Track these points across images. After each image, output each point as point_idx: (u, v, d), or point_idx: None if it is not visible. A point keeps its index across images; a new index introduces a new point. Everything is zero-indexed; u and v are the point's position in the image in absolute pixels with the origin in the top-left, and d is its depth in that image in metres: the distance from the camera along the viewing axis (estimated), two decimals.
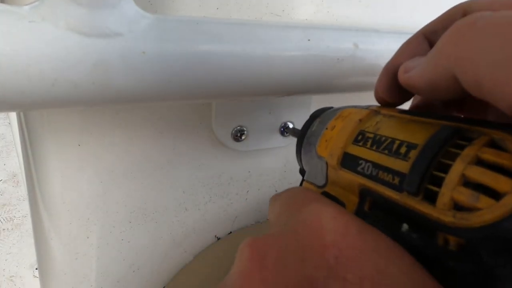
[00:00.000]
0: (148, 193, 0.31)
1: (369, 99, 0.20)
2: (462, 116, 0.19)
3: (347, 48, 0.25)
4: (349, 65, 0.25)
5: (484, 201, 0.11)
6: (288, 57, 0.23)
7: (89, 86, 0.18)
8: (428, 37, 0.18)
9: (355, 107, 0.20)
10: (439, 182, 0.12)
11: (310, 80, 0.25)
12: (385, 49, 0.26)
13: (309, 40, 0.23)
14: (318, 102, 0.33)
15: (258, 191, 0.37)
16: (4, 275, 1.28)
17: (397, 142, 0.14)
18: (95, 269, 0.32)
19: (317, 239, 0.13)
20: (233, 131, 0.31)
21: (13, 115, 0.95)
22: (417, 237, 0.13)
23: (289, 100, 0.32)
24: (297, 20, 0.30)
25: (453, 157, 0.12)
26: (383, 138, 0.15)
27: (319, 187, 0.19)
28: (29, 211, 0.34)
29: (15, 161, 1.82)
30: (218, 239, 0.37)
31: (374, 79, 0.19)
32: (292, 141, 0.34)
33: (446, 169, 0.12)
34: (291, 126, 0.33)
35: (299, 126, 0.24)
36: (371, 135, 0.16)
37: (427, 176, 0.12)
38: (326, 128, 0.20)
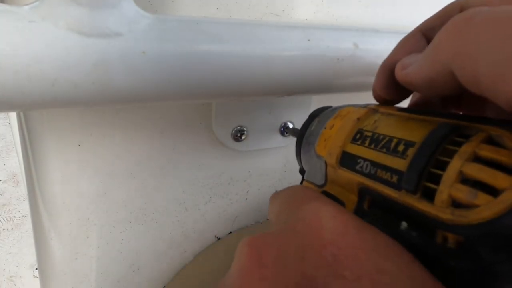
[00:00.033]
0: (148, 193, 0.31)
1: (369, 99, 0.20)
2: (460, 113, 0.19)
3: (347, 48, 0.25)
4: (349, 65, 0.25)
5: (482, 198, 0.11)
6: (288, 57, 0.23)
7: (89, 86, 0.18)
8: (426, 34, 0.18)
9: (353, 106, 0.20)
10: (437, 180, 0.12)
11: (310, 80, 0.25)
12: (385, 49, 0.26)
13: (309, 40, 0.23)
14: (318, 102, 0.33)
15: (258, 191, 0.37)
16: (4, 275, 1.28)
17: (395, 140, 0.15)
18: (95, 269, 0.32)
19: (316, 238, 0.13)
20: (233, 131, 0.31)
21: (13, 115, 0.95)
22: (416, 235, 0.13)
23: (289, 100, 0.32)
24: (297, 20, 0.30)
25: (451, 154, 0.12)
26: (381, 137, 0.15)
27: (318, 186, 0.19)
28: (29, 211, 0.34)
29: (15, 161, 1.82)
30: (218, 239, 0.37)
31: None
32: (292, 141, 0.34)
33: (443, 166, 0.12)
34: (291, 126, 0.33)
35: (299, 126, 0.24)
36: (369, 134, 0.16)
37: (425, 174, 0.12)
38: (325, 128, 0.20)
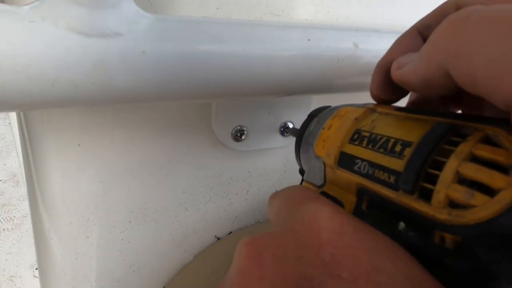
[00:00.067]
0: (148, 193, 0.31)
1: (368, 99, 0.20)
2: (457, 112, 0.19)
3: (347, 48, 0.25)
4: (349, 65, 0.25)
5: (478, 198, 0.11)
6: (288, 57, 0.23)
7: (89, 86, 0.18)
8: (422, 32, 0.18)
9: (351, 105, 0.20)
10: (434, 180, 0.12)
11: (310, 80, 0.25)
12: (385, 49, 0.26)
13: (309, 40, 0.23)
14: (318, 102, 0.33)
15: (258, 191, 0.37)
16: (4, 275, 1.28)
17: (392, 140, 0.14)
18: (95, 269, 0.32)
19: (313, 238, 0.13)
20: (233, 131, 0.31)
21: (13, 115, 0.95)
22: (413, 236, 0.13)
23: (289, 100, 0.32)
24: (297, 20, 0.30)
25: (448, 154, 0.12)
26: (379, 137, 0.15)
27: (318, 186, 0.19)
28: (29, 211, 0.34)
29: (15, 161, 1.82)
30: (218, 239, 0.37)
31: None
32: (292, 141, 0.34)
33: (440, 166, 0.12)
34: (291, 126, 0.33)
35: (299, 126, 0.24)
36: (367, 134, 0.16)
37: (422, 174, 0.12)
38: (323, 128, 0.20)
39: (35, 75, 0.16)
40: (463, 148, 0.12)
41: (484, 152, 0.11)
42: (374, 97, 0.19)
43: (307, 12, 0.30)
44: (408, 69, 0.15)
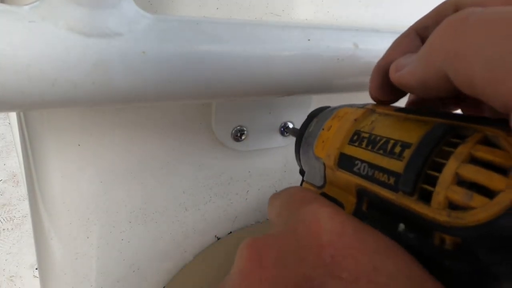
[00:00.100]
0: (148, 193, 0.31)
1: (368, 99, 0.20)
2: (456, 113, 0.19)
3: (347, 48, 0.25)
4: (349, 65, 0.25)
5: (478, 199, 0.11)
6: (288, 57, 0.23)
7: (89, 86, 0.18)
8: (420, 33, 0.18)
9: (351, 106, 0.20)
10: (433, 182, 0.12)
11: (310, 80, 0.25)
12: (385, 49, 0.26)
13: (309, 40, 0.23)
14: (318, 102, 0.33)
15: (258, 191, 0.37)
16: (4, 275, 1.28)
17: (392, 141, 0.14)
18: (95, 269, 0.32)
19: (314, 239, 0.13)
20: (233, 131, 0.31)
21: (13, 115, 0.95)
22: (413, 237, 0.13)
23: (289, 100, 0.32)
24: (297, 20, 0.30)
25: (447, 156, 0.12)
26: (378, 138, 0.15)
27: (318, 187, 0.19)
28: (29, 211, 0.34)
29: (15, 161, 1.82)
30: (218, 239, 0.37)
31: None
32: (292, 141, 0.33)
33: (440, 168, 0.12)
34: (291, 126, 0.33)
35: (299, 126, 0.24)
36: (367, 135, 0.16)
37: (422, 176, 0.12)
38: (323, 129, 0.20)
39: (35, 75, 0.16)
40: (462, 150, 0.12)
41: (483, 153, 0.11)
42: (373, 98, 0.19)
43: (307, 12, 0.30)
44: (407, 71, 0.15)
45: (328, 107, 0.23)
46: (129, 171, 0.29)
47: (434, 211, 0.12)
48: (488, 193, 0.11)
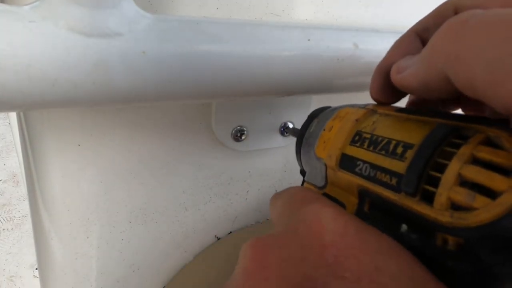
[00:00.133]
0: (148, 193, 0.31)
1: (369, 99, 0.20)
2: (458, 113, 0.19)
3: (347, 48, 0.25)
4: (349, 65, 0.25)
5: (480, 200, 0.11)
6: (288, 57, 0.23)
7: (89, 86, 0.18)
8: (420, 34, 0.18)
9: (352, 106, 0.20)
10: (436, 182, 0.12)
11: (310, 80, 0.25)
12: (385, 49, 0.26)
13: (309, 40, 0.23)
14: (318, 102, 0.33)
15: (258, 191, 0.37)
16: (4, 275, 1.28)
17: (394, 142, 0.15)
18: (95, 269, 0.32)
19: (316, 239, 0.13)
20: (233, 131, 0.31)
21: (13, 115, 0.95)
22: (416, 238, 0.13)
23: (289, 100, 0.32)
24: (297, 20, 0.30)
25: (449, 157, 0.12)
26: (380, 139, 0.15)
27: (319, 188, 0.19)
28: (29, 211, 0.34)
29: (15, 161, 1.82)
30: (218, 239, 0.37)
31: None
32: (292, 141, 0.34)
33: (442, 168, 0.12)
34: (291, 126, 0.33)
35: (299, 126, 0.24)
36: (368, 136, 0.16)
37: (424, 177, 0.12)
38: (324, 129, 0.20)
39: (35, 75, 0.16)
40: (465, 150, 0.12)
41: (486, 154, 0.11)
42: (374, 99, 0.19)
43: (307, 12, 0.30)
44: (408, 73, 0.15)
45: (329, 107, 0.23)
46: (129, 171, 0.29)
47: (437, 212, 0.12)
48: (491, 194, 0.11)
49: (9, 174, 1.80)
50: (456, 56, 0.12)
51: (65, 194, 0.28)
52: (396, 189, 0.13)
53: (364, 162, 0.15)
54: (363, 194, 0.16)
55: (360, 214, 0.16)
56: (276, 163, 0.37)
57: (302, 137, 0.23)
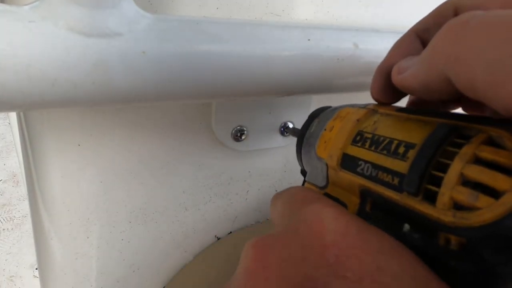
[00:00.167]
0: (148, 193, 0.31)
1: (369, 99, 0.20)
2: (459, 113, 0.19)
3: (347, 48, 0.25)
4: (349, 65, 0.25)
5: (483, 200, 0.11)
6: (288, 57, 0.23)
7: (89, 86, 0.18)
8: (420, 35, 0.18)
9: (353, 106, 0.20)
10: (438, 182, 0.12)
11: (310, 80, 0.25)
12: (385, 49, 0.26)
13: (309, 40, 0.23)
14: (318, 102, 0.33)
15: (258, 191, 0.37)
16: (4, 275, 1.28)
17: (395, 142, 0.14)
18: (95, 269, 0.32)
19: (317, 239, 0.13)
20: (233, 131, 0.31)
21: (13, 115, 0.95)
22: (418, 237, 0.13)
23: (289, 100, 0.32)
24: (297, 20, 0.30)
25: (451, 156, 0.12)
26: (381, 138, 0.15)
27: (320, 188, 0.19)
28: (29, 211, 0.34)
29: (15, 161, 1.82)
30: (218, 239, 0.37)
31: None
32: (292, 141, 0.34)
33: (445, 168, 0.12)
34: (291, 126, 0.33)
35: (299, 126, 0.24)
36: (369, 135, 0.16)
37: (426, 176, 0.12)
38: (325, 129, 0.20)
39: (35, 75, 0.16)
40: (467, 150, 0.12)
41: (488, 153, 0.11)
42: (375, 99, 0.19)
43: (307, 12, 0.30)
44: (409, 74, 0.15)
45: (329, 107, 0.23)
46: (129, 171, 0.29)
47: (439, 212, 0.12)
48: (493, 193, 0.10)
49: (9, 174, 1.80)
50: (456, 57, 0.12)
51: (65, 194, 0.28)
52: (398, 189, 0.13)
53: (366, 162, 0.15)
54: (364, 194, 0.16)
55: (361, 214, 0.16)
56: (276, 163, 0.37)
57: (303, 137, 0.23)
